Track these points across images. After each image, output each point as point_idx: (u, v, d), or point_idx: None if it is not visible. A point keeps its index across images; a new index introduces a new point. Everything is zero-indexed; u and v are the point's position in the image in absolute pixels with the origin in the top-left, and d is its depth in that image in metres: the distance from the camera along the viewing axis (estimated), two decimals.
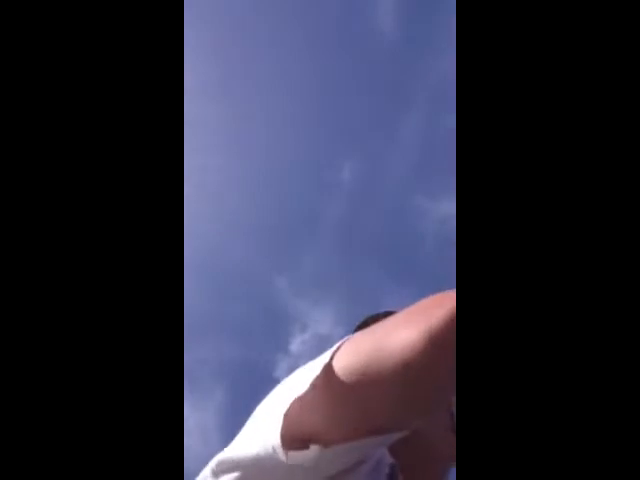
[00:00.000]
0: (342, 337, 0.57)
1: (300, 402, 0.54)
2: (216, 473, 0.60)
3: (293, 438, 0.53)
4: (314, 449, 0.53)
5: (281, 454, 0.53)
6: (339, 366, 0.53)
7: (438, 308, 0.48)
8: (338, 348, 0.55)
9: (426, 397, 0.51)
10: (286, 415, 0.53)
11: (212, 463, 0.61)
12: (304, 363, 0.60)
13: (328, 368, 0.53)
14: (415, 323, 0.49)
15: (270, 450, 0.54)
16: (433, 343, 0.47)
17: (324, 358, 0.54)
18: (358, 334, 0.56)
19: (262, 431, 0.56)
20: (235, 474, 0.58)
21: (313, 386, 0.53)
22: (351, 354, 0.54)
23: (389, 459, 0.68)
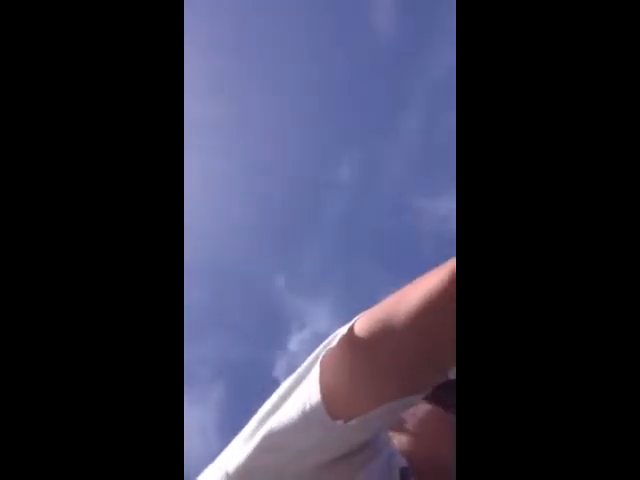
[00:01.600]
0: None
1: (328, 362, 0.57)
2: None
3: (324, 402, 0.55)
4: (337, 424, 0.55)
5: (319, 404, 0.55)
6: (362, 325, 0.56)
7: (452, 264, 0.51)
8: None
9: (447, 344, 0.52)
10: (321, 367, 0.56)
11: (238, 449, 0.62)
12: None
13: (351, 329, 0.56)
14: (431, 277, 0.52)
15: (306, 403, 0.56)
16: (452, 286, 0.49)
17: (345, 328, 0.57)
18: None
19: (297, 391, 0.58)
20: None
21: (339, 345, 0.56)
22: (373, 313, 0.56)
23: (401, 462, 0.69)
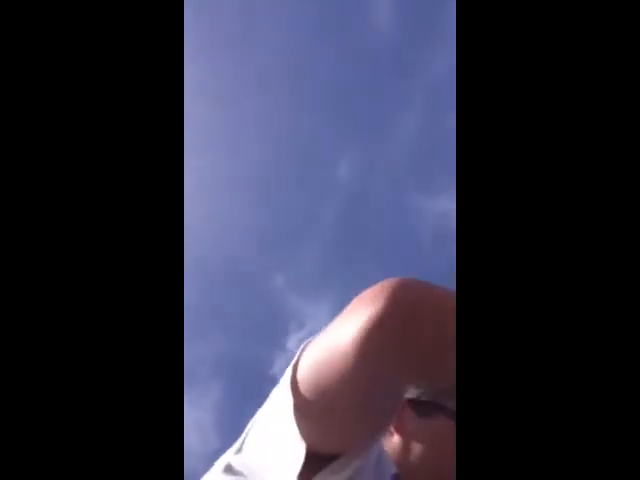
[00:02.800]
0: None
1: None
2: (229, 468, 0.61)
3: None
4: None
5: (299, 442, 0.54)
6: (303, 365, 0.55)
7: (371, 300, 0.50)
8: (297, 360, 0.56)
9: (386, 390, 0.52)
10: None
11: (226, 458, 0.62)
12: None
13: (294, 368, 0.55)
14: (351, 321, 0.51)
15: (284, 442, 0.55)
16: (370, 337, 0.49)
17: (288, 373, 0.56)
18: (310, 344, 0.57)
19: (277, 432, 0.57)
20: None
21: (289, 386, 0.54)
22: (306, 367, 0.55)
23: (392, 468, 0.69)
